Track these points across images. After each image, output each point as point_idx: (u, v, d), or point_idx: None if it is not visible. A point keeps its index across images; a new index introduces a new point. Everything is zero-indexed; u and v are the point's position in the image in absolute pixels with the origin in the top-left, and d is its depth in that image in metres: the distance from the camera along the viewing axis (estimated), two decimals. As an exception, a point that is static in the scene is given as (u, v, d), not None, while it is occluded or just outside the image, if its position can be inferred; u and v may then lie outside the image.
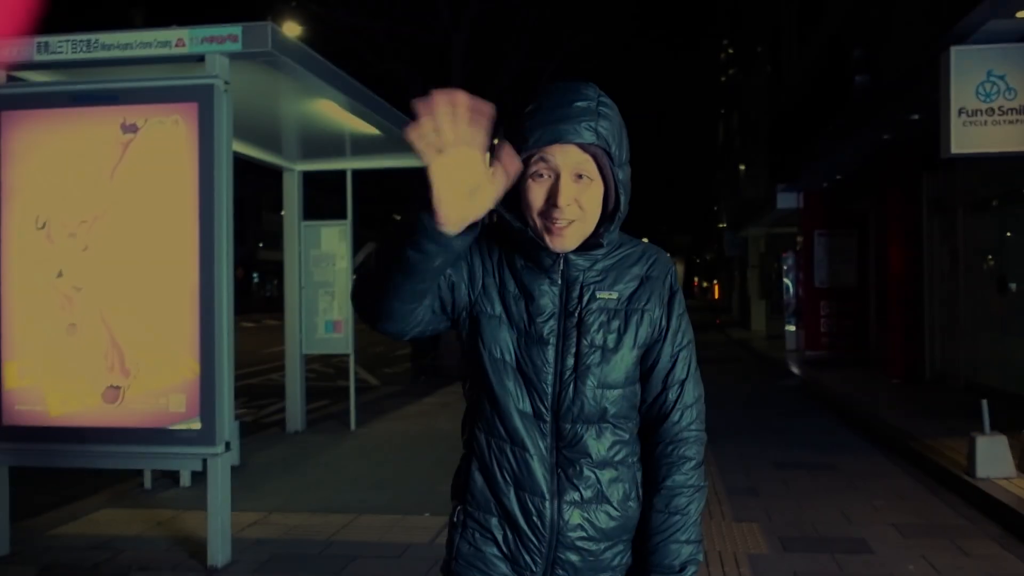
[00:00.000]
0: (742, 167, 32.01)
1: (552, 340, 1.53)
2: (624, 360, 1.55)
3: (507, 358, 1.53)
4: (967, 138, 6.92)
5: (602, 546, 1.56)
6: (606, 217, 1.52)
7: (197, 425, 4.27)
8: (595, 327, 1.54)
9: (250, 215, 44.12)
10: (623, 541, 1.60)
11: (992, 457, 5.63)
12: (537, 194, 1.46)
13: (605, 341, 1.54)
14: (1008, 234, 9.56)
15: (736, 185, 33.65)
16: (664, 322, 1.60)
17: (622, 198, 1.50)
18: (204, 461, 4.32)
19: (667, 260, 1.64)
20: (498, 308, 1.55)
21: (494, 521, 1.56)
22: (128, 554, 4.52)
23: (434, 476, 6.30)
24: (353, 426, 8.29)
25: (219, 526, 4.33)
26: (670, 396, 1.60)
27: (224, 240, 4.30)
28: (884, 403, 9.40)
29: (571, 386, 1.52)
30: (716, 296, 55.71)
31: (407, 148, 7.90)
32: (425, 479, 6.23)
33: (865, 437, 7.88)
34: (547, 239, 1.48)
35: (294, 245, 8.10)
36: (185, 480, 5.98)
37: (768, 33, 23.38)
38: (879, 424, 8.06)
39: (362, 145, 7.49)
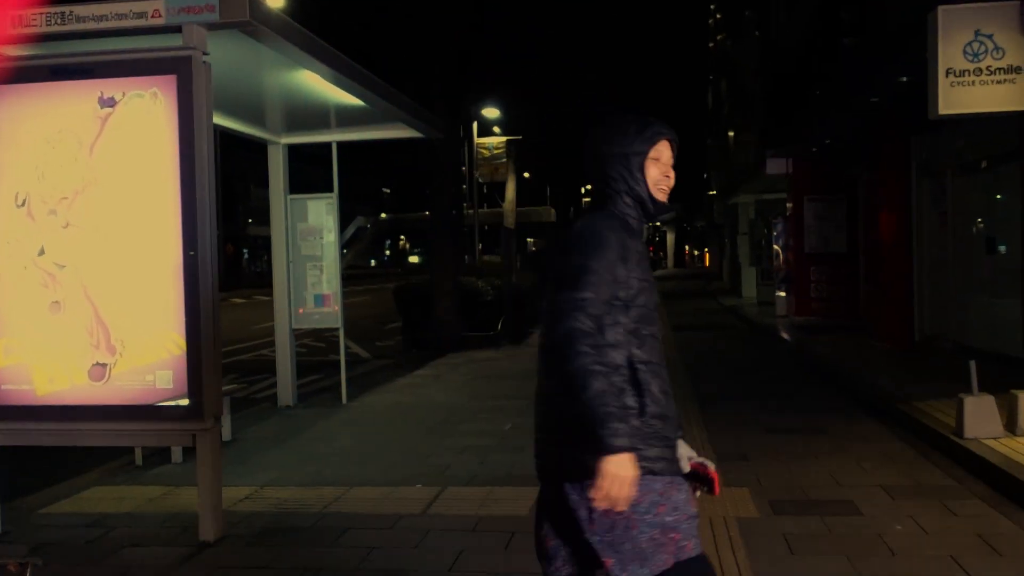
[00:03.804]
0: (731, 134, 31.91)
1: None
2: None
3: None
4: (955, 99, 6.88)
5: None
6: None
7: (185, 401, 4.25)
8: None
9: (239, 191, 43.79)
10: None
11: (980, 417, 5.66)
12: (656, 170, 2.29)
13: None
14: (997, 196, 9.55)
15: (726, 152, 33.58)
16: None
17: None
18: (193, 437, 4.31)
19: None
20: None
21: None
22: (120, 531, 4.53)
23: (426, 448, 6.32)
24: (344, 399, 8.29)
25: (210, 501, 4.33)
26: None
27: (207, 214, 4.25)
28: (873, 367, 9.45)
29: None
30: (707, 264, 55.79)
31: (392, 119, 7.77)
32: (417, 451, 6.25)
33: (855, 401, 7.93)
34: (658, 196, 2.30)
35: (280, 219, 8.03)
36: (177, 456, 5.98)
37: (756, -3, 23.17)
38: (868, 388, 8.11)
39: (347, 117, 7.41)
